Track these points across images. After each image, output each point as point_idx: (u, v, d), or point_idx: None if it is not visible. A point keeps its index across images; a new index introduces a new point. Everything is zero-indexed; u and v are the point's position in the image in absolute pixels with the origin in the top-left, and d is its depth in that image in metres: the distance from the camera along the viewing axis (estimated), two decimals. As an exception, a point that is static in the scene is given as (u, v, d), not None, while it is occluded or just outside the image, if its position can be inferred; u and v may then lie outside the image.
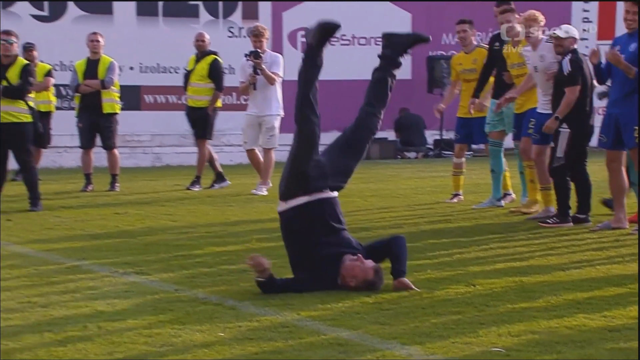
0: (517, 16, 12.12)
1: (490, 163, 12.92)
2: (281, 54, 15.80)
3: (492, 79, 12.84)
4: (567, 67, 10.75)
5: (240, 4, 22.37)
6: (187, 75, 15.69)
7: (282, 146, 13.79)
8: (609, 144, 10.55)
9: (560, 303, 6.99)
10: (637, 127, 10.17)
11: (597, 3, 23.55)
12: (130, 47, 20.78)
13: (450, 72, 14.01)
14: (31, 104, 12.90)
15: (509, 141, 13.28)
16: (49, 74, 16.81)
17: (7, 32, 12.93)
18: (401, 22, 22.35)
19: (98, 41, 15.55)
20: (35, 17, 21.08)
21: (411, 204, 13.32)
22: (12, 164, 13.34)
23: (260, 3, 22.49)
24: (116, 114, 15.54)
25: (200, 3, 22.13)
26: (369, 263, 7.44)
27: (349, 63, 21.06)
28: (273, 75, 14.30)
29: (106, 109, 15.36)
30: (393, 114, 22.20)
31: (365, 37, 22.76)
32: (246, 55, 14.45)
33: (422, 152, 23.06)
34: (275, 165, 14.16)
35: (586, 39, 20.27)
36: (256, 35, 14.43)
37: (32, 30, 19.56)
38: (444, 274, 8.13)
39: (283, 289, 7.35)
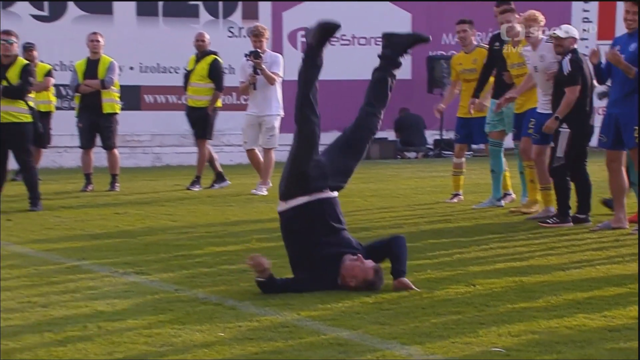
0: (517, 16, 12.12)
1: (490, 163, 12.92)
2: (281, 54, 15.79)
3: (492, 79, 12.84)
4: (567, 67, 10.75)
5: (240, 4, 22.36)
6: (187, 75, 15.68)
7: (282, 146, 13.79)
8: (609, 144, 10.54)
9: (560, 303, 6.99)
10: (637, 127, 10.17)
11: (597, 3, 23.55)
12: (130, 47, 20.76)
13: (450, 72, 14.01)
14: (31, 104, 12.89)
15: (509, 141, 13.28)
16: (49, 74, 16.80)
17: (7, 32, 12.93)
18: (401, 22, 22.33)
19: (98, 41, 15.54)
20: (35, 17, 21.06)
21: (411, 204, 13.32)
22: (12, 164, 13.34)
23: (260, 3, 22.47)
24: (116, 114, 15.53)
25: (200, 3, 22.11)
26: (369, 263, 7.44)
27: (349, 63, 21.04)
28: (273, 75, 14.29)
29: (106, 109, 15.36)
30: (393, 114, 22.19)
31: (365, 37, 22.75)
32: (246, 55, 14.45)
33: (422, 152, 23.05)
34: (275, 165, 14.15)
35: (586, 39, 20.26)
36: (256, 35, 14.42)
37: (32, 30, 19.53)
38: (444, 274, 8.13)
39: (283, 289, 7.35)
